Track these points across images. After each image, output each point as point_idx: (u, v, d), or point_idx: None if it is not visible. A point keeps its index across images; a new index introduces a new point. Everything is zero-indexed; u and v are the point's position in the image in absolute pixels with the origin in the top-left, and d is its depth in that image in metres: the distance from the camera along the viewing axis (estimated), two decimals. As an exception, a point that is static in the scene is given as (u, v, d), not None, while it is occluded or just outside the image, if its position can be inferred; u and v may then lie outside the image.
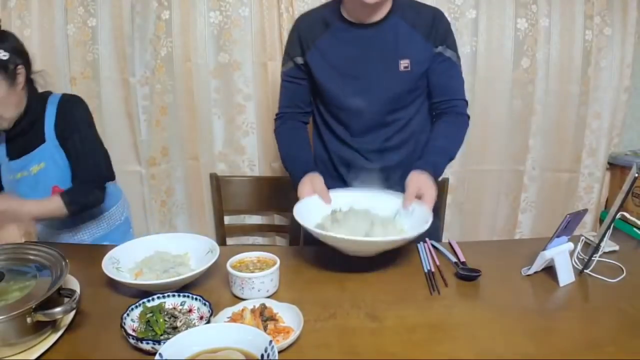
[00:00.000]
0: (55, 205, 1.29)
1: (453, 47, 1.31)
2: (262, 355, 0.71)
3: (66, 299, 0.83)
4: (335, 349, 0.84)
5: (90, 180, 1.38)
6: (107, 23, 1.92)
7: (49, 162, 1.39)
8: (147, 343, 0.79)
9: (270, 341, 0.71)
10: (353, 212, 1.19)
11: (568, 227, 1.04)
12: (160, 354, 0.69)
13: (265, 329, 0.84)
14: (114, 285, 1.02)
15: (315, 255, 1.19)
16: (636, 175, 1.03)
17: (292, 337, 0.82)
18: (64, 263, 0.89)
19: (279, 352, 0.73)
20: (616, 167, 2.14)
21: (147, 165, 2.05)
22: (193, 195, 2.10)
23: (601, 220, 2.10)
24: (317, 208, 1.22)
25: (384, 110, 1.32)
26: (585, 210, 1.10)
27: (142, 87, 1.96)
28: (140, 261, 1.10)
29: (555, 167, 2.12)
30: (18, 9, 1.92)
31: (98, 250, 1.10)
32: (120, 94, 1.99)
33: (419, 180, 1.17)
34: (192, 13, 1.91)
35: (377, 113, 1.32)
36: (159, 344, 0.77)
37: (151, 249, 1.13)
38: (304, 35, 1.33)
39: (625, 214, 1.08)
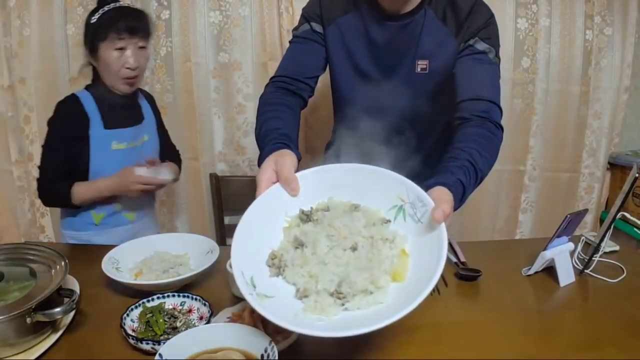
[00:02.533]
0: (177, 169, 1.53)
1: (489, 40, 1.10)
2: (262, 356, 0.70)
3: (66, 299, 0.83)
4: (335, 349, 0.84)
5: (174, 153, 1.62)
6: (107, 23, 1.92)
7: (150, 136, 1.52)
8: (147, 343, 0.79)
9: (270, 341, 0.71)
10: (332, 213, 0.81)
11: (568, 227, 1.04)
12: (160, 354, 0.69)
13: (265, 329, 0.84)
14: (113, 285, 1.02)
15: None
16: (636, 175, 1.03)
17: (292, 337, 0.82)
18: (63, 263, 0.89)
19: (279, 352, 0.73)
20: (616, 167, 2.14)
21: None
22: (193, 195, 2.10)
23: (601, 221, 2.10)
24: (275, 214, 0.82)
25: (392, 109, 1.15)
26: (585, 210, 1.10)
27: (142, 87, 1.96)
28: (140, 261, 1.10)
29: (556, 167, 2.12)
30: (18, 9, 1.92)
31: (98, 250, 1.10)
32: (120, 94, 1.99)
33: (450, 201, 0.78)
34: (192, 13, 1.92)
35: (383, 109, 1.15)
36: (159, 344, 0.77)
37: (151, 249, 1.13)
38: (328, 6, 1.18)
39: (625, 214, 1.08)
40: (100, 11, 1.36)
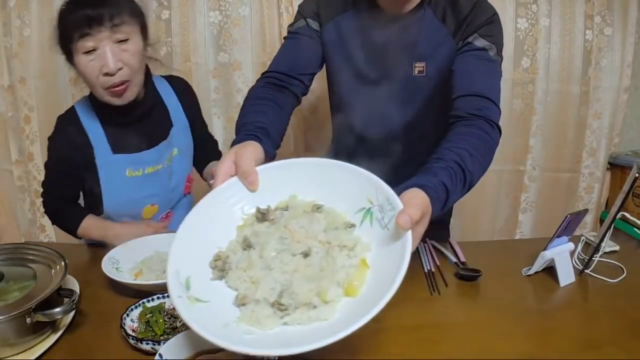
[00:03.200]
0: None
1: (491, 39, 1.04)
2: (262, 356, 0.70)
3: (66, 299, 0.83)
4: (336, 349, 0.83)
5: (213, 146, 1.40)
6: (107, 23, 1.92)
7: (181, 147, 1.23)
8: (147, 343, 0.78)
9: (270, 341, 0.71)
10: (291, 213, 0.73)
11: (568, 227, 1.04)
12: (160, 355, 0.69)
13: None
14: (113, 285, 1.02)
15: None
16: (637, 175, 1.03)
17: (292, 337, 0.82)
18: (63, 263, 0.89)
19: (279, 352, 0.73)
20: (616, 167, 2.14)
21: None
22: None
23: (601, 221, 2.10)
24: (230, 210, 0.75)
25: (388, 113, 1.15)
26: (585, 210, 1.10)
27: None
28: (140, 261, 1.10)
29: (556, 167, 2.12)
30: (18, 9, 1.92)
31: (98, 250, 1.10)
32: (120, 94, 1.99)
33: (422, 205, 0.68)
34: (192, 13, 1.92)
35: (380, 112, 1.15)
36: (159, 344, 0.77)
37: (151, 249, 1.13)
38: (325, 4, 1.15)
39: (625, 214, 1.08)
40: (61, 5, 1.05)
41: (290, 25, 1.19)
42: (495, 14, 1.07)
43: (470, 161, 0.83)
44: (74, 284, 0.98)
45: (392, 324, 0.90)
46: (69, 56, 1.09)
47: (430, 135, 1.12)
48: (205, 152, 1.36)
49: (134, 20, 1.07)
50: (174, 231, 0.70)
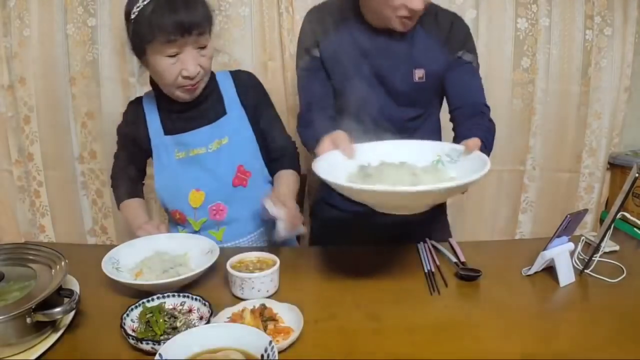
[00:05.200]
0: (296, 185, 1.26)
1: (473, 51, 1.24)
2: (262, 356, 0.70)
3: (66, 299, 0.83)
4: (335, 349, 0.84)
5: (290, 150, 1.32)
6: (107, 23, 1.92)
7: (233, 136, 1.24)
8: (147, 343, 0.79)
9: (270, 341, 0.71)
10: (386, 165, 0.99)
11: (568, 227, 1.04)
12: (160, 354, 0.69)
13: (265, 329, 0.84)
14: (113, 285, 1.02)
15: (315, 256, 1.19)
16: (636, 175, 1.02)
17: (292, 337, 0.82)
18: (63, 263, 0.89)
19: (279, 352, 0.73)
20: (616, 167, 2.14)
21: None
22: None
23: (601, 221, 2.10)
24: (339, 164, 1.00)
25: (391, 112, 1.26)
26: (585, 210, 1.10)
27: (142, 87, 1.96)
28: (140, 261, 1.10)
29: (555, 167, 2.12)
30: (18, 9, 1.93)
31: (98, 250, 1.10)
32: (120, 94, 1.99)
33: (477, 142, 0.97)
34: (192, 13, 1.91)
35: (387, 117, 1.25)
36: (159, 344, 0.77)
37: (151, 249, 1.13)
38: (316, 26, 1.25)
39: (625, 214, 1.08)
40: (141, 2, 1.05)
41: (298, 61, 1.29)
42: (466, 25, 1.26)
43: (482, 132, 1.08)
44: (74, 284, 0.98)
45: (392, 324, 0.90)
46: (139, 52, 1.12)
47: (429, 127, 1.30)
48: (274, 153, 1.31)
49: (210, 27, 1.13)
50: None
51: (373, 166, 0.99)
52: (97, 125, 2.05)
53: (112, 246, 1.12)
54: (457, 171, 0.98)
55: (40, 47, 1.96)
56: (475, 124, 1.15)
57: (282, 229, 1.08)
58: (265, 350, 0.70)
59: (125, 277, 1.03)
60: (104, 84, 1.98)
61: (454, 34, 1.22)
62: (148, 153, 1.30)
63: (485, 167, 0.86)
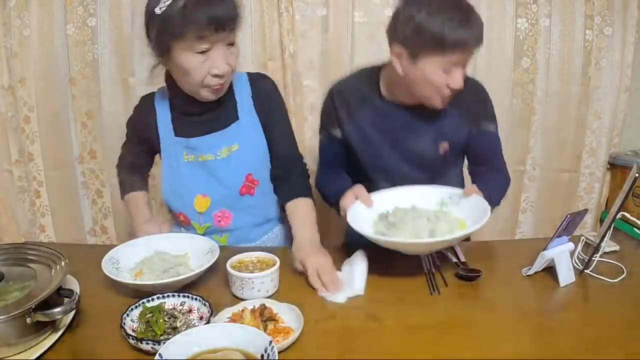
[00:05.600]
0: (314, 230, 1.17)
1: (493, 118, 1.30)
2: (262, 356, 0.70)
3: (66, 299, 0.83)
4: (335, 349, 0.84)
5: (299, 168, 1.26)
6: (107, 23, 1.92)
7: (244, 143, 1.19)
8: (147, 343, 0.79)
9: (270, 341, 0.71)
10: (401, 212, 1.14)
11: (568, 227, 1.04)
12: (160, 354, 0.69)
13: (265, 329, 0.84)
14: (113, 285, 1.02)
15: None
16: (637, 175, 1.02)
17: (292, 337, 0.82)
18: (63, 263, 0.89)
19: (279, 352, 0.73)
20: (616, 167, 2.14)
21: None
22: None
23: (601, 221, 2.10)
24: (361, 214, 1.15)
25: (418, 179, 1.28)
26: (585, 210, 1.10)
27: (142, 87, 1.96)
28: (140, 261, 1.10)
29: (555, 167, 2.12)
30: (18, 9, 1.92)
31: (98, 250, 1.10)
32: (120, 94, 1.99)
33: (472, 189, 1.15)
34: (192, 13, 1.91)
35: (411, 182, 1.27)
36: (159, 344, 0.77)
37: (151, 249, 1.13)
38: (341, 107, 1.29)
39: (625, 214, 1.08)
40: None
41: (320, 131, 1.37)
42: (485, 92, 1.30)
43: (488, 185, 1.20)
44: (74, 284, 0.98)
45: (392, 324, 0.90)
46: (162, 50, 1.07)
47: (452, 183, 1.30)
48: (281, 168, 1.24)
49: (240, 23, 1.08)
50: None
51: (391, 214, 1.14)
52: (97, 125, 2.05)
53: (112, 246, 1.12)
54: (460, 212, 1.15)
55: (40, 47, 1.96)
56: (491, 180, 1.27)
57: (326, 295, 1.01)
58: (265, 350, 0.70)
59: (125, 277, 1.03)
60: (104, 84, 1.98)
61: (477, 106, 1.27)
62: (156, 150, 1.28)
63: (486, 216, 1.04)
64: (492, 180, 1.28)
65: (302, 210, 1.21)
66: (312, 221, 1.19)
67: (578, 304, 1.01)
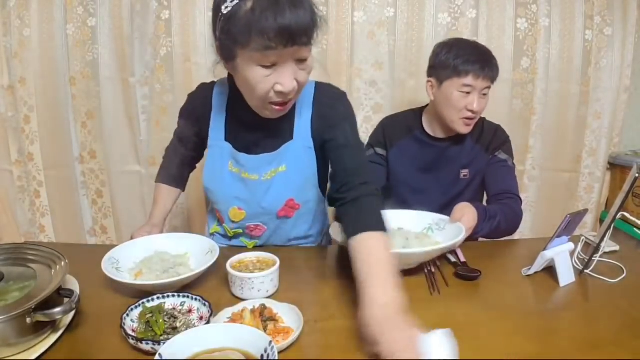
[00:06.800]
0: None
1: (509, 153, 1.52)
2: (262, 356, 0.70)
3: (66, 299, 0.83)
4: (335, 349, 0.84)
5: (371, 201, 0.98)
6: (106, 23, 1.92)
7: (291, 165, 1.10)
8: (147, 343, 0.79)
9: (270, 341, 0.71)
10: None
11: (568, 227, 1.04)
12: (160, 355, 0.69)
13: (265, 329, 0.84)
14: (113, 285, 1.02)
15: (315, 255, 1.19)
16: (637, 175, 1.03)
17: (292, 337, 0.82)
18: (63, 263, 0.89)
19: (279, 352, 0.73)
20: (616, 167, 2.14)
21: (147, 165, 2.05)
22: (193, 195, 2.10)
23: (601, 221, 2.10)
24: None
25: (439, 200, 1.52)
26: (585, 210, 1.10)
27: (142, 87, 1.96)
28: (140, 261, 1.10)
29: (555, 167, 2.12)
30: (18, 8, 1.92)
31: (98, 251, 1.10)
32: (120, 94, 1.99)
33: (464, 209, 1.23)
34: (192, 13, 1.92)
35: (434, 202, 1.47)
36: (159, 344, 0.77)
37: (151, 249, 1.13)
38: (389, 135, 1.58)
39: (625, 214, 1.08)
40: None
41: (367, 145, 1.58)
42: (508, 137, 1.55)
43: (503, 216, 1.32)
44: (74, 284, 0.98)
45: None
46: (228, 55, 0.94)
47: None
48: (345, 195, 0.99)
49: (316, 36, 0.92)
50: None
51: None
52: (97, 125, 2.05)
53: (112, 246, 1.11)
54: (442, 237, 1.19)
55: (40, 47, 1.96)
56: (502, 205, 1.38)
57: None
58: (265, 351, 0.70)
59: (125, 277, 1.03)
60: (104, 84, 1.98)
61: (494, 140, 1.52)
62: (204, 142, 1.20)
63: (459, 237, 1.09)
64: (503, 205, 1.39)
65: (372, 254, 0.89)
66: (387, 270, 0.86)
67: (578, 304, 1.01)
